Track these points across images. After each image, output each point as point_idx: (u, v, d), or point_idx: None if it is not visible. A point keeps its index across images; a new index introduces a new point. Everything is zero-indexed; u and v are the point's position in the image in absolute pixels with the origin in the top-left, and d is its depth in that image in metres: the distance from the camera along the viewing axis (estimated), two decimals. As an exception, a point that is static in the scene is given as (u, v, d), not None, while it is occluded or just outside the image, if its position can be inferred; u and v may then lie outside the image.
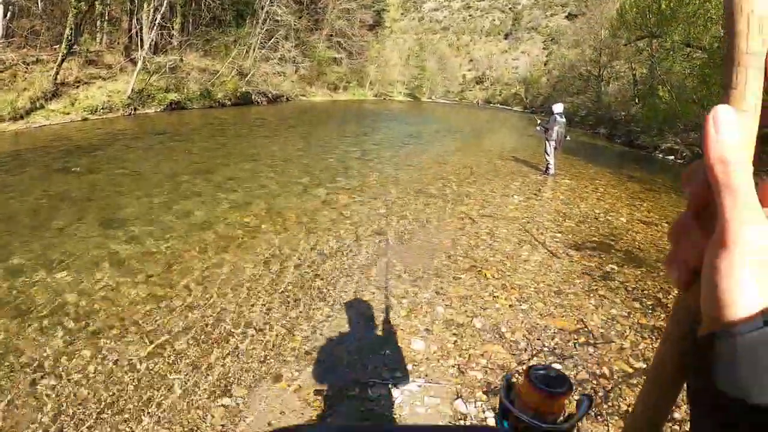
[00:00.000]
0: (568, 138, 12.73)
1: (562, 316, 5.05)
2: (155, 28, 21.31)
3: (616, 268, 6.43)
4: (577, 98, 39.98)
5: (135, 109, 18.18)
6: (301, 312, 4.74)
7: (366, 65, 41.39)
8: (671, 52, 25.09)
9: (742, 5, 0.32)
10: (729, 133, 0.31)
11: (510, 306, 5.16)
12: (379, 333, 4.59)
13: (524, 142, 18.60)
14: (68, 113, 15.19)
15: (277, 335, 4.33)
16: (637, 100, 30.65)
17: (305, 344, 4.23)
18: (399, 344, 4.36)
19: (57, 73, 15.81)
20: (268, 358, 3.99)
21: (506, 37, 54.75)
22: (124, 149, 11.76)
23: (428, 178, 11.17)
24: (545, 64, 48.23)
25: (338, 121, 24.12)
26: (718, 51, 16.14)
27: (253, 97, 26.59)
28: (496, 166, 13.32)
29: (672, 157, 20.07)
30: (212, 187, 8.92)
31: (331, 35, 41.52)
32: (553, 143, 12.33)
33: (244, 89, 26.06)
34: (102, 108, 16.50)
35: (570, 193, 10.61)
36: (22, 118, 13.61)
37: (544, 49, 51.56)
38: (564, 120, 12.36)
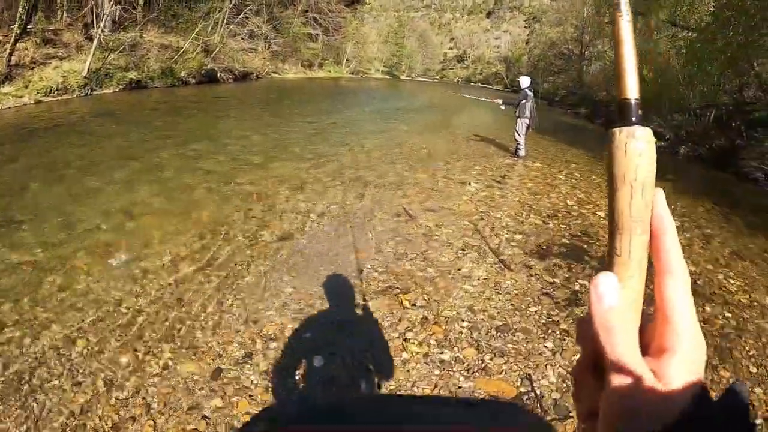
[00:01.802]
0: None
1: (500, 373, 3.35)
2: (117, 3, 19.17)
3: (587, 285, 4.57)
4: (558, 78, 38.22)
5: (92, 90, 16.48)
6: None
7: (343, 42, 39.01)
8: (656, 32, 23.34)
9: (625, 174, 0.36)
10: (609, 302, 0.35)
11: (424, 356, 3.41)
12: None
13: (498, 122, 16.68)
14: (21, 96, 13.88)
15: None
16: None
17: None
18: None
19: (10, 54, 14.35)
20: None
21: (488, 15, 52.55)
22: (52, 136, 9.81)
23: (373, 161, 9.30)
24: (527, 43, 46.30)
25: (302, 100, 22.03)
26: (709, 27, 14.37)
27: (219, 74, 24.40)
28: (459, 148, 11.46)
29: (655, 141, 18.33)
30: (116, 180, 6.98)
31: (307, 11, 39.05)
32: (525, 122, 10.53)
33: (209, 66, 23.87)
34: (57, 89, 15.12)
35: (540, 180, 8.80)
36: None
37: (526, 27, 49.53)
38: (532, 94, 10.55)
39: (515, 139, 10.76)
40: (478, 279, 4.60)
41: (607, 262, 0.37)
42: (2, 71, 13.82)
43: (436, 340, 3.61)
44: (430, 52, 44.91)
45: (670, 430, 0.30)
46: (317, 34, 38.17)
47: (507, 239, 5.65)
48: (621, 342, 0.34)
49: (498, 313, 4.05)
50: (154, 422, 2.85)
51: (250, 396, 3.11)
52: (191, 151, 9.16)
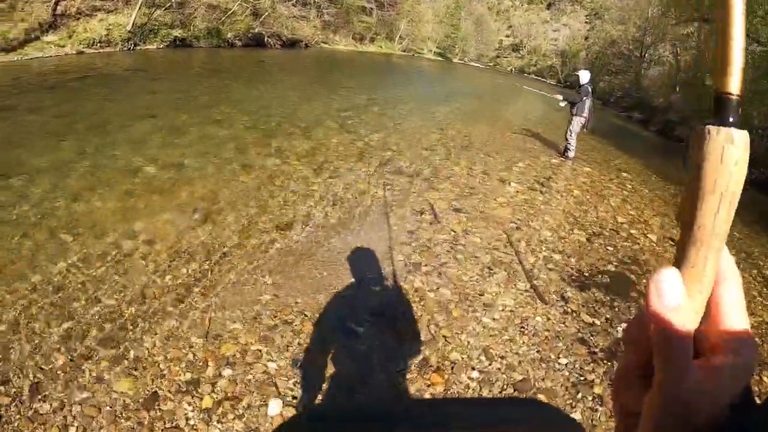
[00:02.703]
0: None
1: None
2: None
3: None
4: (615, 78, 35.94)
5: (135, 45, 16.07)
6: None
7: (397, 18, 37.48)
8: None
9: (716, 183, 0.31)
10: (674, 299, 0.32)
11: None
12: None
13: (549, 116, 15.34)
14: (63, 46, 13.43)
15: None
16: (678, 88, 27.01)
17: None
18: None
19: (56, 3, 13.81)
20: None
21: (549, 6, 49.82)
22: (82, 87, 9.31)
23: (408, 145, 8.33)
24: (586, 39, 43.78)
25: (349, 73, 21.01)
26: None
27: (266, 39, 23.48)
28: (504, 140, 10.34)
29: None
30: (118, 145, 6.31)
31: (364, -18, 37.60)
32: (581, 121, 9.36)
33: (257, 30, 22.98)
34: (99, 42, 14.65)
35: (588, 188, 7.68)
36: (14, 50, 12.08)
37: (586, 23, 46.77)
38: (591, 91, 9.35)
39: (566, 138, 9.59)
40: (503, 310, 3.67)
41: (677, 261, 0.33)
42: (47, 20, 13.33)
43: (431, 395, 2.73)
44: (486, 38, 42.94)
45: (720, 428, 0.30)
46: (371, 8, 36.74)
47: (544, 259, 4.67)
48: (678, 345, 0.32)
49: (519, 362, 3.14)
50: None
51: None
52: (218, 114, 8.40)
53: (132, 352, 2.85)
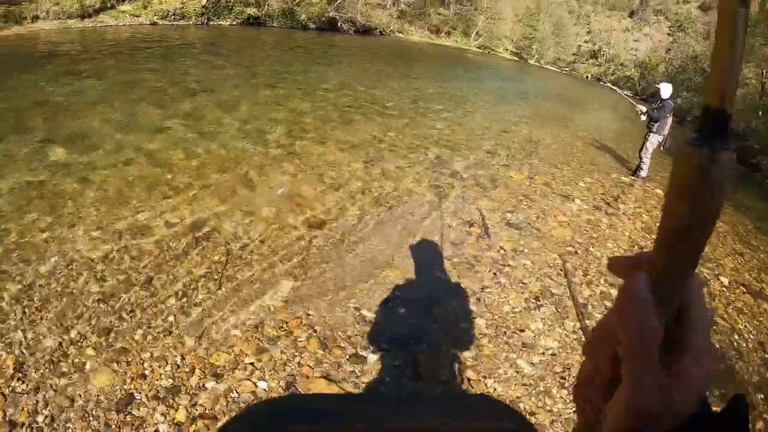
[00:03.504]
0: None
1: None
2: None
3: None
4: (694, 96, 33.33)
5: (208, 20, 16.30)
6: None
7: (475, 14, 36.13)
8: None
9: (695, 198, 0.30)
10: (641, 308, 0.32)
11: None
12: None
13: (623, 129, 14.17)
14: (138, 16, 13.84)
15: None
16: (760, 113, 24.64)
17: None
18: None
19: None
20: None
21: (631, 14, 46.58)
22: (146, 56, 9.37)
23: (466, 143, 7.75)
24: (667, 52, 40.78)
25: (422, 63, 20.38)
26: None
27: (340, 23, 23.16)
28: (573, 150, 9.50)
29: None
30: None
31: (443, -25, 36.34)
32: (659, 139, 8.43)
33: (331, 14, 22.72)
34: (174, 14, 14.90)
35: (658, 213, 6.71)
36: (90, 16, 12.44)
37: (668, 35, 43.46)
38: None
39: (640, 156, 8.67)
40: (543, 353, 3.13)
41: (648, 269, 0.33)
42: None
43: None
44: (564, 42, 40.83)
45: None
46: (449, 1, 35.55)
47: (601, 295, 4.05)
48: (645, 350, 0.32)
49: (552, 422, 2.61)
50: None
51: None
52: (272, 93, 8.14)
53: (119, 343, 2.59)
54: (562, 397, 2.80)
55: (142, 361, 2.53)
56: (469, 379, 2.77)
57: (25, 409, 2.21)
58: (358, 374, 2.70)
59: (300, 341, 2.83)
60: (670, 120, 8.35)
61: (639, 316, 0.32)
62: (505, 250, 4.40)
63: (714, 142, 0.30)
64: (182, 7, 14.96)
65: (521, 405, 2.67)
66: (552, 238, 4.92)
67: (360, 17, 24.24)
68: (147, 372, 2.47)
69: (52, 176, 4.27)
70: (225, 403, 2.36)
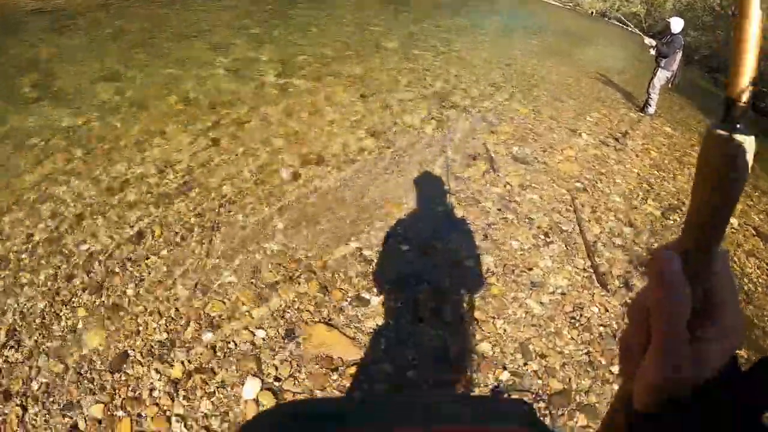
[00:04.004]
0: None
1: None
2: None
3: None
4: (703, 35, 32.03)
5: None
6: None
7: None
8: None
9: (720, 181, 0.32)
10: (671, 279, 0.33)
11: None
12: None
13: (631, 64, 13.49)
14: None
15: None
16: (777, 51, 23.65)
17: None
18: None
19: None
20: None
21: (640, -55, 44.16)
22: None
23: (471, 79, 7.27)
24: (673, -11, 38.80)
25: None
26: None
27: None
28: (578, 84, 9.00)
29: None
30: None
31: None
32: (667, 75, 7.94)
33: None
34: None
35: (667, 151, 6.52)
36: None
37: (677, -32, 41.23)
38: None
39: (648, 91, 8.21)
40: (553, 293, 2.92)
41: (677, 249, 0.35)
42: None
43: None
44: (567, -25, 38.62)
45: (698, 393, 0.34)
46: None
47: (610, 231, 3.81)
48: (674, 318, 0.34)
49: (563, 365, 2.42)
50: (23, 411, 1.97)
51: (138, 416, 1.84)
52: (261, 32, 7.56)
53: (112, 300, 2.37)
54: (573, 339, 2.61)
55: (134, 317, 2.32)
56: (476, 321, 2.56)
57: (20, 377, 2.08)
58: (360, 318, 2.49)
59: (299, 285, 2.60)
60: (679, 56, 7.86)
61: (670, 294, 0.34)
62: (511, 185, 4.11)
63: (738, 131, 0.32)
64: None
65: (531, 347, 2.47)
66: (560, 173, 4.62)
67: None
68: (141, 326, 2.27)
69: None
70: (222, 356, 2.16)
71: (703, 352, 0.34)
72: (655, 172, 5.55)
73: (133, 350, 2.18)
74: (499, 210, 3.68)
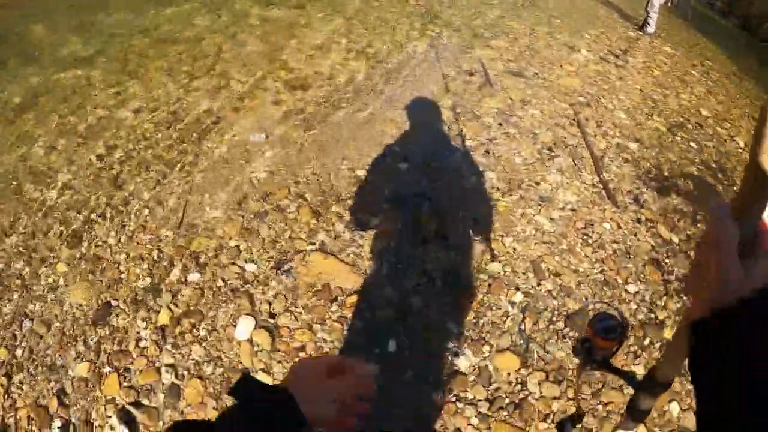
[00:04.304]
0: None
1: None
2: None
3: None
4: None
5: None
6: None
7: None
8: None
9: None
10: (725, 221, 0.46)
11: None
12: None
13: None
14: None
15: None
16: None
17: None
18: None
19: None
20: None
21: None
22: None
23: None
24: None
25: None
26: None
27: None
28: (574, 2, 8.43)
29: None
30: None
31: None
32: (665, -10, 7.41)
33: None
34: None
35: (668, 70, 6.14)
36: None
37: None
38: None
39: (646, 10, 7.68)
40: (563, 208, 2.66)
41: (736, 198, 0.48)
42: None
43: (457, 322, 1.85)
44: None
45: (744, 300, 0.42)
46: None
47: (617, 147, 3.53)
48: (726, 246, 0.45)
49: (579, 284, 2.19)
50: (7, 380, 1.79)
51: (126, 371, 1.59)
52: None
53: (93, 251, 2.07)
54: (587, 256, 2.37)
55: (116, 264, 2.03)
56: (484, 240, 2.29)
57: (3, 344, 1.89)
58: (359, 242, 2.20)
59: (290, 213, 2.32)
60: (675, -30, 7.32)
61: (722, 226, 0.46)
62: (512, 100, 3.76)
63: None
64: None
65: (544, 265, 2.22)
66: (561, 88, 4.27)
67: None
68: (123, 274, 1.99)
69: None
70: (211, 295, 1.88)
71: (749, 273, 0.44)
72: (658, 89, 5.21)
73: (116, 299, 1.91)
74: (500, 125, 3.35)
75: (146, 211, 2.37)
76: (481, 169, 2.80)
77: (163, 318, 1.87)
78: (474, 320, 1.95)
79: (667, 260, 2.60)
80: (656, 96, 4.93)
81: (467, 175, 2.76)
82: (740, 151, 4.49)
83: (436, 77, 3.92)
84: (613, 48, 6.16)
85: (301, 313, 1.90)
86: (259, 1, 5.42)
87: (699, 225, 3.03)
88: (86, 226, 2.32)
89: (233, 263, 2.08)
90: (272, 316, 1.87)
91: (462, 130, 3.18)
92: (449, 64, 4.23)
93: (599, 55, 5.59)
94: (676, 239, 2.79)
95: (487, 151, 2.99)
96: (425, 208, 2.44)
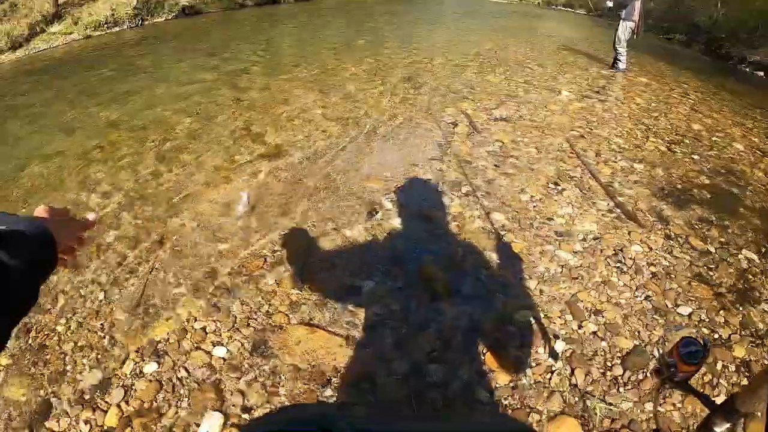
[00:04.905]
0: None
1: None
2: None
3: (757, 259, 2.30)
4: (648, 2, 32.22)
5: (142, 20, 14.70)
6: None
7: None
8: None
9: None
10: None
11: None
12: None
13: (590, 33, 13.16)
14: (70, 33, 12.42)
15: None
16: (719, 4, 23.68)
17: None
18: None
19: None
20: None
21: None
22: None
23: (433, 62, 6.81)
24: (617, -40, 39.32)
25: (362, 7, 18.93)
26: None
27: None
28: (543, 54, 8.55)
29: (762, 73, 14.20)
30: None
31: None
32: (630, 25, 7.53)
33: None
34: (106, 23, 13.37)
35: (650, 96, 6.06)
36: (21, 46, 11.25)
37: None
38: None
39: (614, 47, 7.77)
40: (584, 239, 2.35)
41: None
42: (50, 12, 12.41)
43: (488, 390, 1.48)
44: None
45: None
46: None
47: (623, 170, 3.28)
48: None
49: (625, 318, 1.84)
50: None
51: None
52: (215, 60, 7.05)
53: (39, 340, 1.73)
54: (626, 285, 2.03)
55: (62, 356, 1.69)
56: (505, 286, 1.96)
57: None
58: (353, 310, 1.87)
59: (266, 284, 1.99)
60: (638, 4, 7.46)
61: None
62: (502, 142, 3.56)
63: None
64: (113, 14, 13.58)
65: (580, 304, 1.88)
66: (551, 126, 4.10)
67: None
68: (68, 367, 1.64)
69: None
70: (170, 388, 1.54)
71: None
72: (646, 114, 5.09)
73: (59, 398, 1.56)
74: (497, 166, 3.12)
75: (101, 294, 2.06)
76: (485, 212, 2.52)
77: (111, 419, 1.50)
78: (511, 384, 1.58)
79: (711, 272, 2.26)
80: (646, 120, 4.77)
81: (471, 219, 2.47)
82: (742, 154, 4.27)
83: (421, 132, 3.78)
84: (592, 86, 6.13)
85: (284, 402, 1.54)
86: (235, 87, 5.43)
87: (729, 230, 2.71)
88: (34, 315, 1.99)
89: (198, 348, 1.73)
90: (246, 410, 1.50)
91: (456, 177, 2.94)
92: (433, 120, 4.10)
93: (580, 94, 5.52)
94: (712, 248, 2.47)
95: (488, 193, 2.73)
96: (429, 261, 2.13)
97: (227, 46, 7.79)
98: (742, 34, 17.68)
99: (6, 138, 4.12)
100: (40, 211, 0.62)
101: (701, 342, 0.93)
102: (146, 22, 14.42)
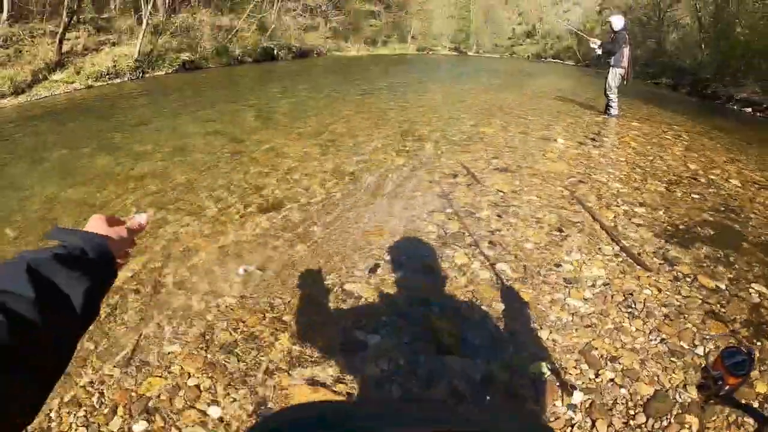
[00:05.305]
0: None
1: None
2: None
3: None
4: (635, 50, 33.14)
5: (143, 73, 15.23)
6: None
7: (407, 18, 35.50)
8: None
9: None
10: None
11: None
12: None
13: (580, 85, 13.55)
14: (72, 82, 12.71)
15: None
16: (703, 46, 24.32)
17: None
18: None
19: (60, 43, 13.18)
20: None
21: (557, -13, 46.91)
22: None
23: (429, 116, 7.00)
24: (599, 14, 40.93)
25: (361, 69, 19.66)
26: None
27: (276, 52, 22.12)
28: (536, 104, 8.80)
29: (750, 109, 14.50)
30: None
31: (366, -15, 35.65)
32: (620, 72, 7.73)
33: (265, 44, 21.65)
34: (108, 74, 13.69)
35: (644, 140, 6.16)
36: (24, 91, 11.53)
37: (597, -2, 43.75)
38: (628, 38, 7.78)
39: (606, 95, 7.98)
40: (593, 285, 2.32)
41: None
42: (53, 60, 12.77)
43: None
44: (498, 29, 40.54)
45: None
46: (379, 11, 34.64)
47: (625, 214, 3.29)
48: None
49: (642, 363, 1.79)
50: None
51: None
52: (214, 114, 7.30)
53: None
54: (639, 329, 1.99)
55: (48, 411, 1.63)
56: (515, 336, 1.93)
57: None
58: (358, 366, 1.83)
59: (265, 341, 1.95)
60: (627, 51, 7.71)
61: None
62: (503, 192, 3.60)
63: None
64: (115, 65, 13.97)
65: (595, 352, 1.84)
66: (549, 173, 4.15)
67: (294, 42, 23.25)
68: (53, 424, 1.58)
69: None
70: None
71: None
72: (642, 157, 5.15)
73: None
74: (499, 216, 3.13)
75: (91, 346, 2.00)
76: (490, 262, 2.51)
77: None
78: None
79: (723, 310, 2.22)
80: (642, 163, 4.83)
81: (476, 269, 2.46)
82: (739, 189, 4.29)
83: (420, 184, 3.82)
84: (586, 133, 6.26)
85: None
86: (234, 140, 5.56)
87: (736, 265, 2.68)
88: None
89: (192, 407, 1.67)
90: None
91: (459, 228, 2.95)
92: (432, 172, 4.17)
93: (576, 141, 5.62)
94: (722, 285, 2.44)
95: (491, 243, 2.73)
96: (435, 313, 2.10)
97: (228, 99, 8.03)
98: (727, 74, 18.13)
99: (5, 178, 4.23)
100: (96, 221, 0.63)
101: (745, 351, 0.90)
102: (147, 75, 14.90)
